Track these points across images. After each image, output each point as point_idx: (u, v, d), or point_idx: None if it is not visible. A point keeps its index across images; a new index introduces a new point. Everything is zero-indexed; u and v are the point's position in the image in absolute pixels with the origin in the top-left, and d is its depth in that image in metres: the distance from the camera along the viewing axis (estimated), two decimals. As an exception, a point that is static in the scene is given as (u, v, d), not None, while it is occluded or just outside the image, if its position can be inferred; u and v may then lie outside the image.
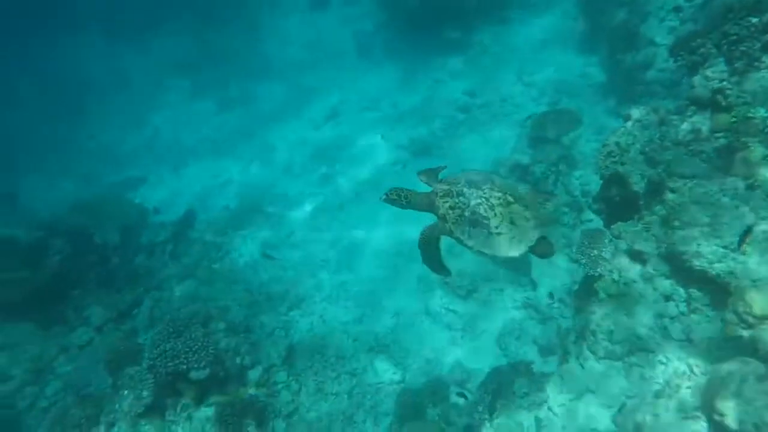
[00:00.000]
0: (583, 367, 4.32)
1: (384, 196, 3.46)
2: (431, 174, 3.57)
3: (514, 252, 3.23)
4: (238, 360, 6.29)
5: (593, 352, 4.26)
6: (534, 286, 7.03)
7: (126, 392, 5.44)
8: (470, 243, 3.24)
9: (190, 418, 5.62)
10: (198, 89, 18.48)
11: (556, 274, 6.81)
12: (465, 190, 3.31)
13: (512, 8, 12.42)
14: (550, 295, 6.57)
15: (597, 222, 6.40)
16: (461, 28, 12.51)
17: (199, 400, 5.75)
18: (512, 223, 3.22)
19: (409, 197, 3.43)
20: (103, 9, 21.43)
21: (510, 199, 3.29)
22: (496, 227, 3.20)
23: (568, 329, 4.74)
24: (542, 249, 3.35)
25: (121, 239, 10.30)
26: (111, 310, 8.36)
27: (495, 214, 3.21)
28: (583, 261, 4.31)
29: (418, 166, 9.49)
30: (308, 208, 11.08)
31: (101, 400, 5.64)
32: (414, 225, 8.39)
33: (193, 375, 5.72)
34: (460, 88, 12.21)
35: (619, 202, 4.65)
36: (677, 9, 7.81)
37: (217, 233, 10.87)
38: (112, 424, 5.32)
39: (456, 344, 7.03)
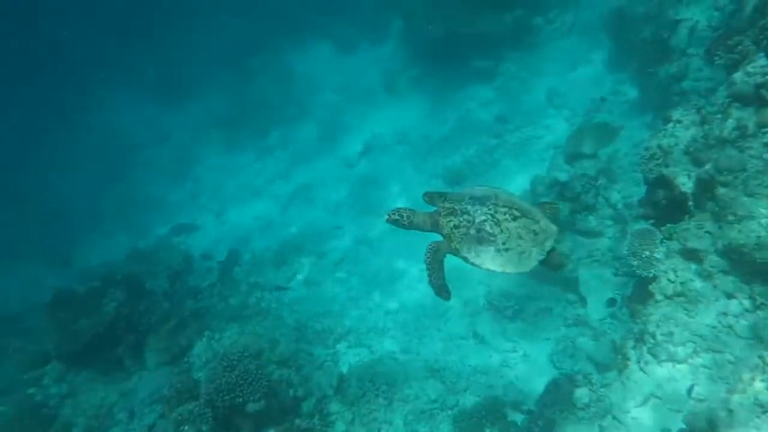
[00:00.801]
0: (645, 372, 4.17)
1: (386, 217, 3.40)
2: (436, 194, 3.50)
3: (524, 267, 3.16)
4: (291, 392, 6.32)
5: (654, 356, 4.12)
6: (583, 302, 6.86)
7: (186, 428, 5.53)
8: (478, 261, 3.16)
9: (247, 452, 5.65)
10: (235, 138, 19.25)
11: (604, 287, 6.63)
12: (469, 207, 3.22)
13: (537, 33, 12.59)
14: (612, 301, 6.36)
15: (644, 231, 6.29)
16: (487, 56, 12.76)
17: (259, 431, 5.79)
18: (520, 237, 3.13)
19: (411, 217, 3.36)
20: (143, 73, 22.96)
21: (516, 213, 3.19)
22: (504, 243, 3.12)
23: (626, 335, 4.59)
24: (554, 261, 3.28)
25: (170, 285, 10.66)
26: (165, 354, 8.58)
27: (502, 230, 3.12)
28: (636, 263, 4.21)
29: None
30: (348, 242, 11.25)
31: (162, 436, 5.74)
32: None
33: (249, 407, 5.79)
34: (490, 114, 12.36)
35: (666, 205, 4.57)
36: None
37: (262, 273, 11.14)
38: (173, 460, 5.40)
39: (507, 365, 6.88)
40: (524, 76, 12.70)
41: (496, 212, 3.18)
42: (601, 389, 4.57)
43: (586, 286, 6.66)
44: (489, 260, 3.14)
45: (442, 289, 3.37)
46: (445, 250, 3.29)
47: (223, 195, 17.04)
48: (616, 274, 6.42)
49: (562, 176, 7.27)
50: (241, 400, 5.78)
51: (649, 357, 4.15)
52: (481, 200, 3.24)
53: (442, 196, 3.42)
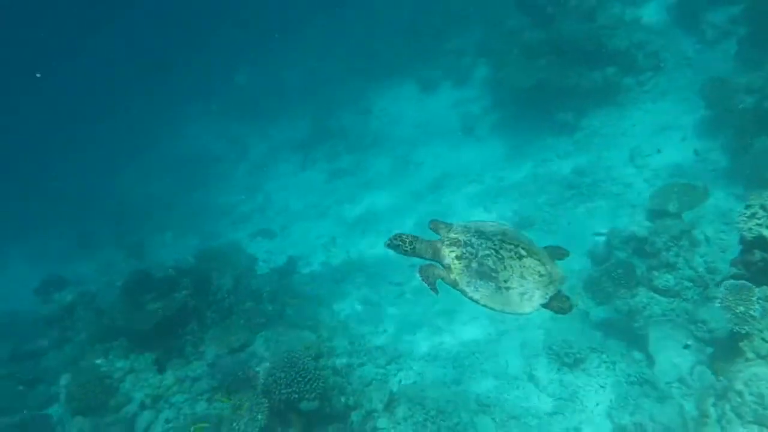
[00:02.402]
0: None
1: (388, 242, 3.28)
2: (442, 224, 3.37)
3: (526, 308, 3.02)
4: (343, 399, 6.42)
5: (739, 416, 3.93)
6: (650, 361, 6.61)
7: (243, 413, 5.74)
8: (476, 296, 3.03)
9: (294, 449, 5.76)
10: (309, 161, 20.13)
11: (675, 349, 6.38)
12: (474, 240, 3.12)
13: (626, 93, 12.58)
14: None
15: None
16: (571, 110, 12.83)
17: (306, 432, 5.91)
18: (523, 277, 3.01)
19: (414, 243, 3.24)
20: (229, 96, 24.69)
21: (522, 252, 3.08)
22: (506, 281, 3.00)
23: (706, 391, 4.41)
24: (558, 304, 3.10)
25: (234, 284, 11.12)
26: (223, 348, 8.91)
27: (505, 267, 3.01)
28: (728, 317, 4.08)
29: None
30: (409, 270, 11.37)
31: (219, 419, 5.97)
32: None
33: (304, 405, 5.94)
34: (568, 166, 12.32)
35: (763, 267, 4.42)
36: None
37: (320, 286, 11.45)
38: (228, 441, 5.59)
39: (562, 413, 6.67)
40: (607, 133, 12.64)
41: (501, 248, 3.07)
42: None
43: (655, 345, 6.43)
44: (488, 297, 3.02)
45: (431, 286, 3.21)
46: (443, 278, 3.16)
47: (290, 211, 17.74)
48: (690, 338, 6.17)
49: (641, 231, 7.16)
50: (296, 396, 5.95)
51: (732, 416, 3.97)
52: (487, 235, 3.14)
53: (448, 226, 3.31)
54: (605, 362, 7.00)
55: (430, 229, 3.36)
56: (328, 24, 25.34)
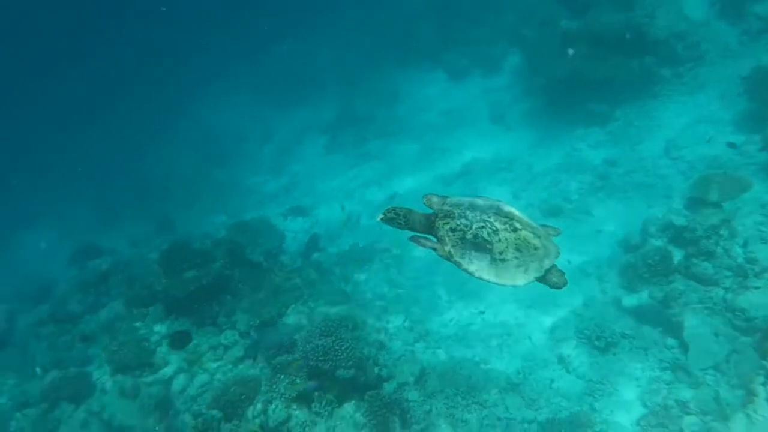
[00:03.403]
0: None
1: (381, 215, 3.26)
2: (436, 198, 3.36)
3: (520, 280, 3.00)
4: (376, 370, 6.57)
5: (787, 393, 3.97)
6: (684, 348, 6.62)
7: (282, 377, 5.93)
8: (471, 268, 3.02)
9: (331, 414, 5.94)
10: (336, 145, 20.22)
11: (711, 337, 6.38)
12: (468, 213, 3.10)
13: (663, 84, 12.41)
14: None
15: (765, 289, 6.07)
16: (606, 100, 12.70)
17: (341, 399, 6.07)
18: (518, 250, 3.00)
19: (407, 216, 3.21)
20: (256, 76, 24.85)
21: (517, 225, 3.06)
22: (501, 253, 2.98)
23: (753, 370, 4.43)
24: (553, 279, 3.09)
25: (264, 258, 11.36)
26: (255, 319, 9.13)
27: (499, 239, 2.99)
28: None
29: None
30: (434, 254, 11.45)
31: (258, 382, 6.17)
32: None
33: (339, 373, 6.10)
34: (600, 156, 12.24)
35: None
36: None
37: (347, 266, 11.60)
38: (269, 402, 5.78)
39: (592, 395, 6.74)
40: (641, 125, 12.50)
41: (495, 221, 3.06)
42: (715, 422, 4.43)
43: (691, 332, 6.44)
44: (483, 268, 3.01)
45: (416, 241, 3.24)
46: (437, 250, 3.15)
47: (316, 192, 17.88)
48: (726, 325, 6.18)
49: (679, 220, 7.14)
50: (333, 364, 6.11)
51: (781, 393, 4.01)
52: (481, 208, 3.13)
53: (442, 200, 3.30)
54: (637, 347, 7.03)
55: (424, 203, 3.36)
56: (358, 7, 25.27)
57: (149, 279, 9.79)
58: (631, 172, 11.33)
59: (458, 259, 3.03)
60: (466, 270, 3.03)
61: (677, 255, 7.08)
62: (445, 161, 16.03)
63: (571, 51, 12.72)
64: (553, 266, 3.07)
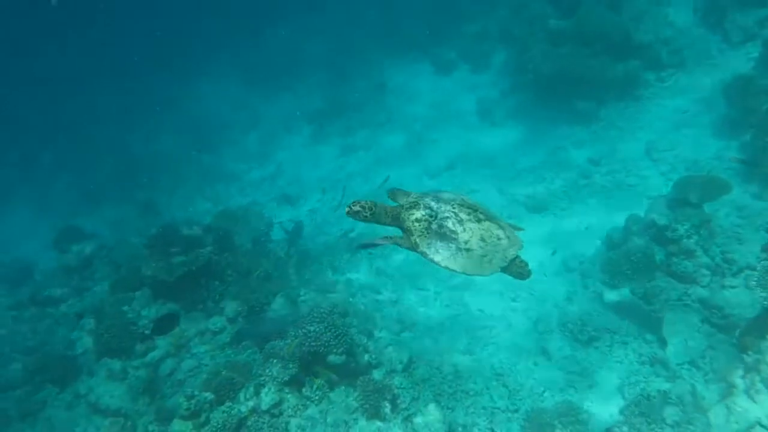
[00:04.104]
0: (755, 401, 4.28)
1: (347, 209, 3.27)
2: (401, 192, 3.39)
3: (486, 270, 3.04)
4: (366, 357, 6.70)
5: (769, 386, 4.22)
6: (663, 343, 6.92)
7: (275, 361, 6.02)
8: (437, 258, 3.02)
9: (322, 398, 6.06)
10: (322, 134, 20.19)
11: (689, 333, 6.69)
12: (433, 204, 3.12)
13: (646, 87, 12.75)
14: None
15: (741, 288, 6.38)
16: (592, 100, 12.99)
17: (332, 384, 6.19)
18: (483, 240, 3.02)
19: (373, 209, 3.22)
20: (244, 62, 24.52)
21: (480, 216, 3.10)
22: (466, 242, 3.00)
23: (732, 363, 4.70)
24: (517, 269, 3.15)
25: (252, 245, 11.37)
26: (243, 305, 9.16)
27: (464, 229, 3.02)
28: (764, 294, 4.33)
29: (533, 222, 10.01)
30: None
31: (250, 366, 6.25)
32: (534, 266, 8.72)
33: (331, 359, 6.21)
34: (583, 155, 12.53)
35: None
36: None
37: (334, 255, 11.69)
38: (261, 386, 5.87)
39: (573, 387, 7.01)
40: (624, 126, 12.83)
41: (459, 212, 3.09)
42: (696, 411, 4.68)
43: (669, 328, 6.73)
44: (448, 258, 3.01)
45: (371, 245, 3.35)
46: (402, 244, 3.17)
47: (302, 182, 17.87)
48: (704, 322, 6.49)
49: (662, 220, 7.42)
50: (324, 349, 6.22)
51: (761, 386, 4.26)
52: (445, 200, 3.16)
53: (407, 194, 3.33)
54: (618, 342, 7.32)
55: (389, 197, 3.40)
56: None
57: (136, 263, 9.71)
58: (613, 172, 11.66)
59: (424, 249, 3.04)
60: (432, 260, 3.05)
61: (659, 253, 7.37)
62: (431, 154, 16.19)
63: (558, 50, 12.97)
64: (517, 257, 3.14)
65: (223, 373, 6.23)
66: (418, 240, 3.06)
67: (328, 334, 6.25)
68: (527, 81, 14.64)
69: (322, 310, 6.58)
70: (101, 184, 19.50)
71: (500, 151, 14.59)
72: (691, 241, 7.00)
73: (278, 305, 8.86)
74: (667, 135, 11.78)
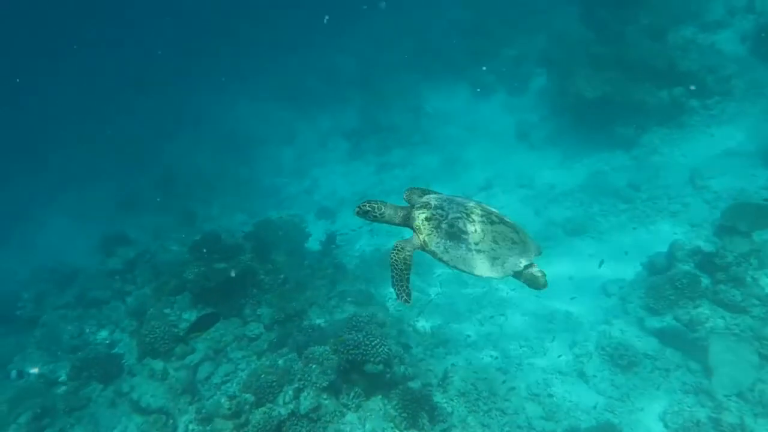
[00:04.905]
0: None
1: (357, 208, 3.22)
2: (417, 191, 3.33)
3: (496, 273, 2.91)
4: (402, 369, 6.72)
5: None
6: (708, 373, 6.72)
7: (314, 366, 6.10)
8: (445, 258, 2.93)
9: (359, 406, 6.10)
10: (358, 152, 20.52)
11: (737, 363, 6.48)
12: (445, 204, 3.04)
13: (690, 115, 12.59)
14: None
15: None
16: (634, 126, 12.89)
17: (368, 393, 6.23)
18: (495, 242, 2.91)
19: (383, 209, 3.18)
20: (281, 80, 25.20)
21: (494, 218, 2.99)
22: (476, 243, 2.89)
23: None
24: (533, 278, 3.00)
25: (287, 256, 11.57)
26: (280, 313, 9.31)
27: (476, 230, 2.92)
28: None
29: (571, 245, 9.85)
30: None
31: (289, 371, 6.35)
32: (564, 293, 8.59)
33: (368, 368, 6.26)
34: (624, 180, 12.39)
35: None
36: None
37: (369, 269, 11.78)
38: (299, 390, 5.95)
39: (612, 412, 6.84)
40: (666, 152, 12.67)
41: (472, 213, 2.99)
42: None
43: (716, 357, 6.54)
44: (458, 258, 2.91)
45: (402, 291, 3.08)
46: (413, 245, 3.06)
47: (337, 197, 18.12)
48: (753, 354, 6.29)
49: (708, 247, 7.27)
50: (362, 358, 6.28)
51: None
52: (458, 202, 3.08)
53: (423, 193, 3.30)
54: (660, 368, 7.13)
55: (405, 199, 3.33)
56: (388, 14, 25.58)
57: (178, 268, 10.00)
58: (655, 198, 11.47)
59: (433, 248, 2.95)
60: (440, 259, 2.96)
61: (704, 280, 7.20)
62: (467, 174, 16.26)
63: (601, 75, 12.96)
64: (533, 264, 3.00)
65: (263, 376, 6.34)
66: (426, 239, 2.99)
67: (367, 342, 6.31)
68: (567, 104, 14.63)
69: (360, 319, 6.66)
70: (141, 193, 20.14)
71: (538, 173, 14.55)
72: (741, 269, 6.83)
73: (314, 314, 8.98)
74: (712, 163, 11.56)
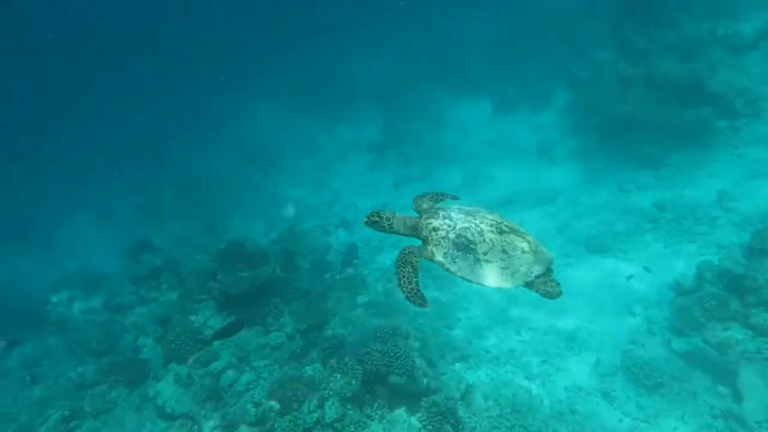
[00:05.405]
0: None
1: (365, 219, 3.24)
2: (427, 200, 3.29)
3: (505, 283, 2.89)
4: (425, 381, 6.73)
5: None
6: (738, 397, 6.60)
7: (339, 376, 6.15)
8: (453, 268, 2.92)
9: (382, 417, 6.12)
10: (378, 164, 20.67)
11: None
12: (453, 214, 3.01)
13: (718, 135, 12.48)
14: None
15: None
16: (660, 145, 12.82)
17: (392, 404, 6.25)
18: (504, 252, 2.88)
19: (391, 219, 3.19)
20: (302, 92, 25.52)
21: (504, 228, 2.94)
22: (485, 254, 2.87)
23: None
24: (544, 287, 2.94)
25: (311, 266, 11.69)
26: (302, 323, 9.40)
27: (484, 240, 2.89)
28: None
29: (594, 263, 9.71)
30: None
31: (314, 379, 6.41)
32: (587, 312, 8.47)
33: (392, 379, 6.29)
34: (649, 199, 12.28)
35: None
36: None
37: (390, 283, 11.80)
38: (324, 399, 6.00)
39: (638, 433, 6.76)
40: (692, 173, 12.55)
41: (481, 222, 2.96)
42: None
43: (746, 382, 6.43)
44: (466, 268, 2.90)
45: (414, 295, 3.09)
46: (420, 254, 3.06)
47: (358, 209, 18.24)
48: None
49: (738, 269, 7.18)
50: (386, 369, 6.31)
51: None
52: (468, 211, 3.05)
53: (433, 201, 3.27)
54: (686, 391, 7.02)
55: (414, 209, 3.34)
56: (411, 28, 25.87)
57: (203, 275, 10.17)
58: (681, 218, 11.34)
59: (440, 259, 2.97)
60: (448, 270, 2.97)
61: (734, 303, 7.11)
62: (488, 189, 16.28)
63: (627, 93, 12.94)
64: (545, 274, 2.95)
65: (288, 384, 6.40)
66: (434, 249, 2.99)
67: (391, 354, 6.35)
68: (591, 122, 14.62)
69: (385, 331, 6.71)
70: (163, 200, 20.47)
71: (560, 190, 14.50)
72: (772, 291, 6.74)
73: (337, 324, 9.04)
74: (740, 184, 11.42)
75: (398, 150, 20.63)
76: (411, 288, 3.07)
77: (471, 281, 2.93)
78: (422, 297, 3.07)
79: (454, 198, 3.51)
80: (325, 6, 28.60)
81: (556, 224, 13.06)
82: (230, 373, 8.41)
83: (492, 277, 2.89)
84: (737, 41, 13.24)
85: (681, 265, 9.69)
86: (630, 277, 9.26)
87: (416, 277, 3.06)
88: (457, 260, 2.92)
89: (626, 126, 13.13)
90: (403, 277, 3.08)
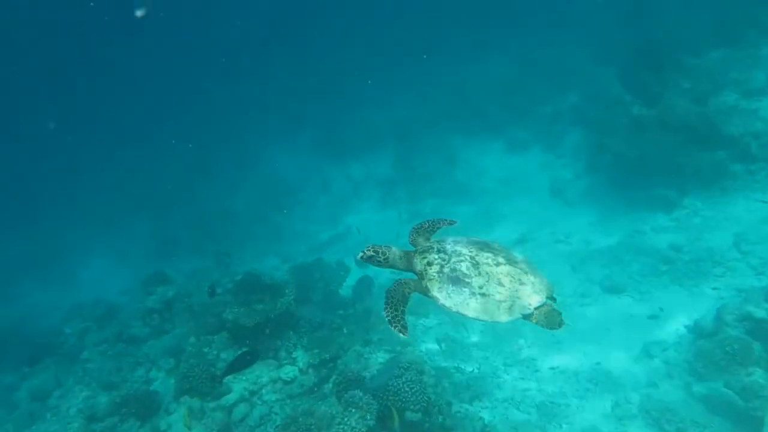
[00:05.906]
0: None
1: (361, 254, 3.24)
2: (423, 232, 3.27)
3: (502, 317, 2.85)
4: (440, 419, 6.62)
5: None
6: (763, 443, 6.42)
7: (354, 410, 6.09)
8: (448, 303, 2.88)
9: (397, 455, 6.00)
10: (390, 200, 20.84)
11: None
12: (448, 247, 3.02)
13: (734, 179, 12.51)
14: None
15: None
16: (675, 187, 12.85)
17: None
18: (500, 284, 2.85)
19: (387, 253, 3.17)
20: (316, 131, 25.99)
21: (501, 260, 2.92)
22: (480, 287, 2.85)
23: None
24: (544, 317, 2.86)
25: (324, 298, 11.68)
26: (315, 357, 9.34)
27: (479, 273, 2.87)
28: None
29: (609, 303, 9.67)
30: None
31: (327, 414, 6.33)
32: (603, 352, 8.35)
33: (408, 415, 6.20)
34: (664, 241, 12.21)
35: None
36: None
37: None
38: (340, 435, 5.92)
39: (660, 481, 6.54)
40: (709, 216, 12.50)
41: (476, 255, 2.94)
42: None
43: (771, 426, 6.27)
44: (461, 303, 2.85)
45: (397, 321, 3.05)
46: (414, 288, 3.05)
47: (369, 244, 18.24)
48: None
49: (760, 313, 7.10)
50: (401, 405, 6.23)
51: None
52: (462, 243, 3.05)
53: (428, 235, 3.25)
54: (709, 438, 6.85)
55: (410, 242, 3.32)
56: (424, 68, 26.46)
57: (217, 308, 10.18)
58: (697, 261, 11.24)
59: (435, 294, 2.93)
60: (443, 305, 2.91)
61: (757, 347, 6.99)
62: (500, 227, 16.29)
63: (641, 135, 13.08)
64: (546, 305, 2.91)
65: (301, 419, 6.33)
66: (428, 284, 2.97)
67: (407, 389, 6.28)
68: (604, 163, 14.74)
69: (400, 366, 6.64)
70: (177, 233, 20.66)
71: (574, 229, 14.49)
72: (796, 335, 6.63)
73: (350, 359, 8.96)
74: (758, 228, 11.35)
75: (410, 187, 20.83)
76: (395, 315, 3.07)
77: (466, 316, 2.90)
78: (404, 325, 3.04)
79: (451, 223, 3.55)
80: (346, 58, 29.36)
81: (571, 263, 13.00)
82: (242, 407, 8.33)
83: (487, 311, 2.86)
84: (751, 86, 13.44)
85: (699, 308, 9.55)
86: (652, 316, 9.15)
87: (404, 306, 3.06)
88: (451, 295, 2.90)
89: (640, 168, 13.22)
90: (390, 303, 3.08)
